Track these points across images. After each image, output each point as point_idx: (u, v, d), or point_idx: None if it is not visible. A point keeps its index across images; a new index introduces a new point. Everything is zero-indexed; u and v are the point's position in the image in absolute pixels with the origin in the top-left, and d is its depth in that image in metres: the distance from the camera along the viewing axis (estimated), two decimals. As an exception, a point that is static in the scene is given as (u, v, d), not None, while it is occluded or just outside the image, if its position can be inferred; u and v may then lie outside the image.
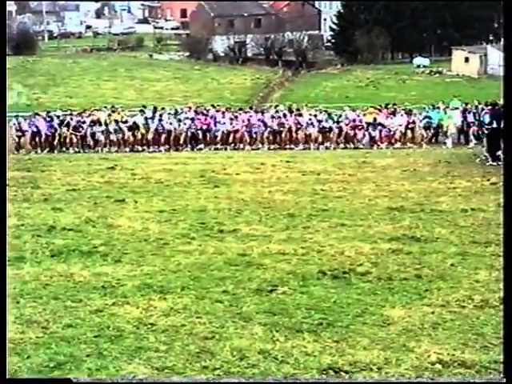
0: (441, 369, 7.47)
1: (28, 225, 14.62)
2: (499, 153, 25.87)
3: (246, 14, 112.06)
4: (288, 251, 12.41)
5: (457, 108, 37.29)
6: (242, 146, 36.17)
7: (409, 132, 36.53)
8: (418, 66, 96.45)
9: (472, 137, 34.42)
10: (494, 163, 25.55)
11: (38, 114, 37.60)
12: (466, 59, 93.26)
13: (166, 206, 17.14)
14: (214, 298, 9.82)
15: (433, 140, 36.39)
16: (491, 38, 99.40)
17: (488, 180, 21.30)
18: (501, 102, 29.49)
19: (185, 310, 9.30)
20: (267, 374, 7.35)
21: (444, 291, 10.14)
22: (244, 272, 11.13)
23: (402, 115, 36.80)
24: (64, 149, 35.17)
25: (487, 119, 26.77)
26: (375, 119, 36.36)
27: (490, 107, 28.47)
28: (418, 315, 9.14)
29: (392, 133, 35.94)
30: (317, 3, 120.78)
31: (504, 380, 5.38)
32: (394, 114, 37.02)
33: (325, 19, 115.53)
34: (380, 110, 37.63)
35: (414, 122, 36.47)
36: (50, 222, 14.73)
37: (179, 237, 13.66)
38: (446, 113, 35.66)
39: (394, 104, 40.42)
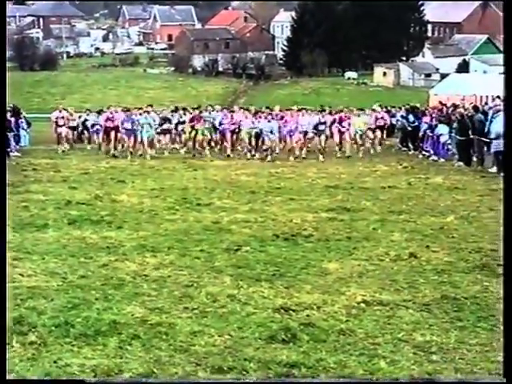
0: (364, 307, 7.51)
1: (51, 200, 14.48)
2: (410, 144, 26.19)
3: (217, 38, 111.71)
4: (250, 219, 12.38)
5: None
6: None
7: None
8: (349, 78, 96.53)
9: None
10: (411, 151, 25.83)
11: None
12: (384, 73, 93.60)
13: (157, 185, 17.03)
14: (193, 256, 9.78)
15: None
16: (402, 58, 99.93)
17: (401, 165, 21.41)
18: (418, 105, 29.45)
19: (171, 265, 9.26)
20: (233, 312, 7.34)
21: (368, 249, 10.17)
22: (216, 235, 11.09)
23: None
24: None
25: (411, 118, 26.74)
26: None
27: (407, 108, 28.32)
28: (348, 267, 9.16)
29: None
30: (271, 30, 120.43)
31: (504, 380, 5.21)
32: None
33: (278, 42, 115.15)
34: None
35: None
36: (68, 198, 14.59)
37: (166, 209, 13.59)
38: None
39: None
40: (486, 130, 19.91)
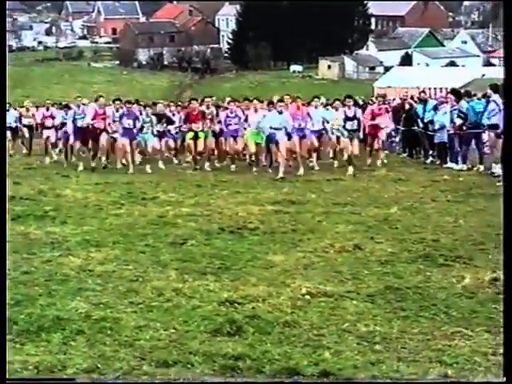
0: (309, 298, 7.54)
1: (-7, 196, 14.25)
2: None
3: (162, 32, 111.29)
4: (196, 213, 12.32)
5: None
6: None
7: None
8: (294, 72, 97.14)
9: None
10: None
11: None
12: (329, 66, 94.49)
13: (101, 179, 16.88)
14: (139, 250, 9.70)
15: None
16: (347, 51, 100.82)
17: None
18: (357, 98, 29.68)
19: (116, 260, 9.17)
20: (179, 306, 7.31)
21: (313, 241, 10.20)
22: (162, 229, 11.02)
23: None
24: None
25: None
26: None
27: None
28: (293, 259, 9.18)
29: None
30: (216, 23, 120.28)
31: (504, 380, 5.23)
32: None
33: (223, 35, 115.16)
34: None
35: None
36: (11, 193, 14.34)
37: (111, 203, 13.45)
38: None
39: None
40: (429, 121, 20.16)
